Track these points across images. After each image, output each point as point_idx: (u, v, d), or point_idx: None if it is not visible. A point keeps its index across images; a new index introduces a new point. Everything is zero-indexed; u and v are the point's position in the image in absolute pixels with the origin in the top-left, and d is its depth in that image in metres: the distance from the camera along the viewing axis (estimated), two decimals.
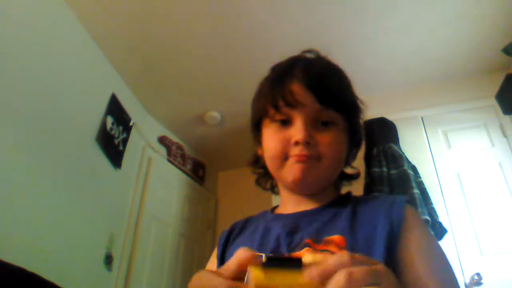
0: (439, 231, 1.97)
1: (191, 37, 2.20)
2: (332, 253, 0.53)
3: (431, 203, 2.04)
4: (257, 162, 0.76)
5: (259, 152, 0.73)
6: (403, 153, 2.24)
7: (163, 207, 2.73)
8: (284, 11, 2.05)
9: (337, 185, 0.73)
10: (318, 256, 0.53)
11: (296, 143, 0.61)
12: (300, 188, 0.66)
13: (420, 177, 2.14)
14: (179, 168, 3.00)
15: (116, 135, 2.29)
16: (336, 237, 0.56)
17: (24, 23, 1.70)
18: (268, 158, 0.66)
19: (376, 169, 2.17)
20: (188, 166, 3.15)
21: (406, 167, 2.12)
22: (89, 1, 1.98)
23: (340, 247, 0.55)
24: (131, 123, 2.48)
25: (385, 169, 2.16)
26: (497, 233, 1.95)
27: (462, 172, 2.20)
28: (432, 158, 2.29)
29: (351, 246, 0.55)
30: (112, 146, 2.24)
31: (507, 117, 2.24)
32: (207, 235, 3.11)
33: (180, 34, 2.19)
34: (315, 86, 0.62)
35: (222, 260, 0.69)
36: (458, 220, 2.05)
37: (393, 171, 2.13)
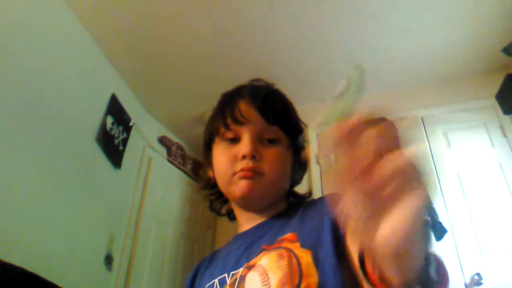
0: (439, 231, 1.98)
1: (191, 37, 2.20)
2: (285, 248, 0.56)
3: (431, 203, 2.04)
4: (209, 185, 0.78)
5: (210, 174, 0.76)
6: None
7: (163, 207, 2.72)
8: (284, 11, 2.05)
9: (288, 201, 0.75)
10: (273, 255, 0.56)
11: (244, 157, 0.66)
12: (248, 202, 0.70)
13: None
14: (179, 168, 3.00)
15: (116, 135, 2.29)
16: (288, 235, 0.59)
17: (24, 23, 1.70)
18: (218, 175, 0.70)
19: None
20: (188, 166, 3.15)
21: None
22: (89, 1, 1.98)
23: (292, 242, 0.57)
24: (131, 123, 2.48)
25: None
26: (497, 233, 1.95)
27: (462, 172, 2.20)
28: (432, 158, 2.29)
29: (302, 238, 0.57)
30: (112, 146, 2.24)
31: (507, 117, 2.24)
32: (207, 235, 3.11)
33: (180, 34, 2.19)
34: (261, 105, 0.69)
35: None
36: (458, 220, 2.05)
37: None
